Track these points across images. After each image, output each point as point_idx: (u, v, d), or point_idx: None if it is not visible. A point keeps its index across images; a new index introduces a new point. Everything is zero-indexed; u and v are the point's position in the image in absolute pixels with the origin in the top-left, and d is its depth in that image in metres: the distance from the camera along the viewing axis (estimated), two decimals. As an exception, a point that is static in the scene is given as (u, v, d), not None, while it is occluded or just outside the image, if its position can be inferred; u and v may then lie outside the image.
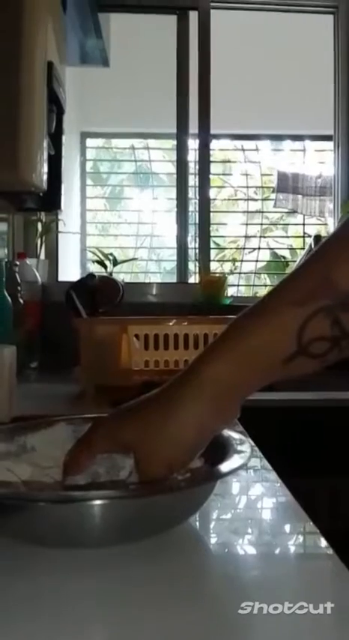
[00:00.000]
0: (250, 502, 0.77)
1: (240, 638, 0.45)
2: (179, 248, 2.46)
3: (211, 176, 2.46)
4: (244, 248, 3.32)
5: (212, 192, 2.71)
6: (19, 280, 1.66)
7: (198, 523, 0.64)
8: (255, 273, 3.28)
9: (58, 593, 0.49)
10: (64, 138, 1.44)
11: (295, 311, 0.55)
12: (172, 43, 2.39)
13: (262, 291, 2.81)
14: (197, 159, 2.38)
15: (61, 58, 1.34)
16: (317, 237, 2.23)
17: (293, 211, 3.40)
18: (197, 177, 2.39)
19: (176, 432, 0.56)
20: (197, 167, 2.38)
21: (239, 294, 2.76)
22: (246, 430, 0.93)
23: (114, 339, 1.41)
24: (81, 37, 1.83)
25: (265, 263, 3.47)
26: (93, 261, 2.33)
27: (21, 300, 1.63)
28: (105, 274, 2.13)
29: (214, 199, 3.28)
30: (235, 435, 0.65)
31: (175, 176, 2.50)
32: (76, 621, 0.45)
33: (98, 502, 0.53)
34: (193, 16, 2.36)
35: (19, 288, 1.64)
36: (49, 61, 1.22)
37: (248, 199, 3.37)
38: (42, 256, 2.16)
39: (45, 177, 1.22)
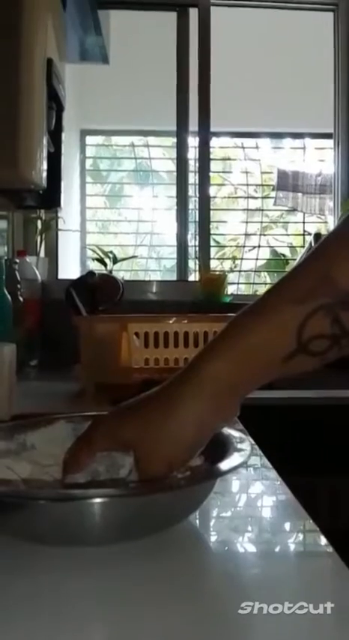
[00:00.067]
0: (250, 500, 0.77)
1: (240, 638, 0.45)
2: (179, 246, 2.46)
3: (211, 174, 2.46)
4: (244, 246, 3.32)
5: (212, 190, 2.70)
6: (18, 278, 1.66)
7: (198, 521, 0.64)
8: (255, 271, 3.28)
9: (57, 591, 0.49)
10: (63, 135, 1.44)
11: (295, 309, 0.55)
12: (172, 41, 2.39)
13: (262, 289, 2.81)
14: (197, 156, 2.37)
15: (60, 55, 1.34)
16: (317, 235, 2.23)
17: (294, 209, 3.40)
18: (197, 174, 2.39)
19: (176, 430, 0.56)
20: (197, 165, 2.38)
21: (239, 292, 2.75)
22: (246, 428, 0.93)
23: (114, 337, 1.41)
24: (80, 34, 1.83)
25: (265, 261, 3.47)
26: (93, 259, 2.33)
27: (21, 298, 1.63)
28: (105, 272, 2.13)
29: (214, 197, 3.28)
30: (235, 433, 0.65)
31: (175, 174, 2.50)
32: (75, 619, 0.45)
33: (98, 500, 0.53)
34: (193, 13, 2.35)
35: (18, 285, 1.64)
36: (49, 58, 1.21)
37: (248, 197, 3.36)
38: (42, 254, 2.16)
39: (44, 174, 1.21)
